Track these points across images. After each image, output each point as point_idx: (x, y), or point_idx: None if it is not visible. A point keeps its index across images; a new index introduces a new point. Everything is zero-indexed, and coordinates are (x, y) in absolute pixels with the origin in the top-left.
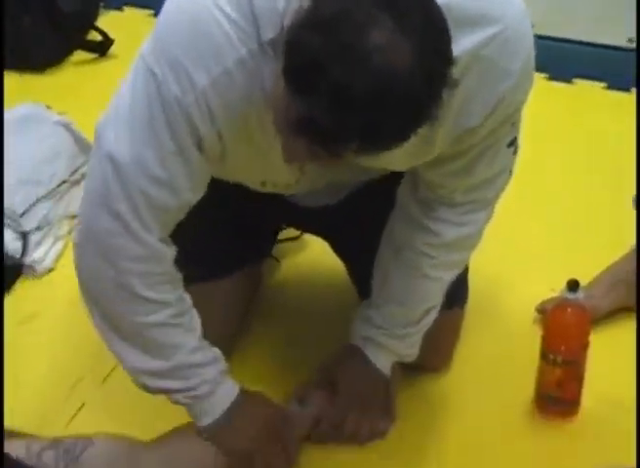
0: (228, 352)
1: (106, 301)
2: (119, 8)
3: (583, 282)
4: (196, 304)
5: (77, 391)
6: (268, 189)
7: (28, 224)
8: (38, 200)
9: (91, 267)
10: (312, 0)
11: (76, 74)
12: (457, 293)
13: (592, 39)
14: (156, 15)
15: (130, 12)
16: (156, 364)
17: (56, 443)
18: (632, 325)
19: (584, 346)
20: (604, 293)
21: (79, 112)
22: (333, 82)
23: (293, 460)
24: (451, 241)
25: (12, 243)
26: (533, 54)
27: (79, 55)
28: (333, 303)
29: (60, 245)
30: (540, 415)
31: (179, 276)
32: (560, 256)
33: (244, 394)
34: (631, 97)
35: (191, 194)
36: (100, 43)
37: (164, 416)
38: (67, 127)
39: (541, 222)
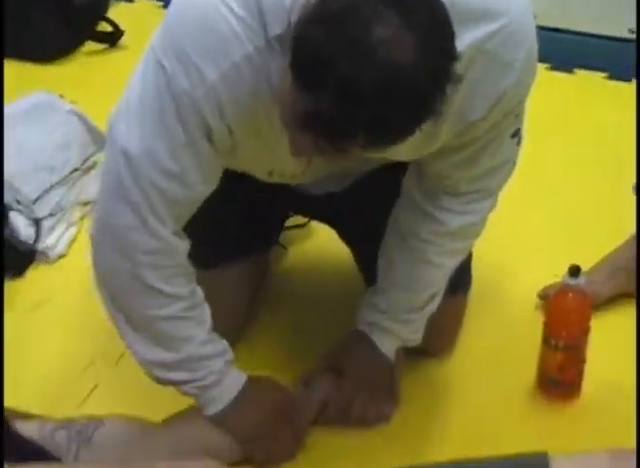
0: (236, 339)
1: (121, 293)
2: None
3: (585, 268)
4: (204, 291)
5: (89, 373)
6: (275, 179)
7: (41, 211)
8: (51, 187)
9: (107, 260)
10: None
11: (87, 65)
12: (460, 280)
13: (593, 30)
14: (166, 6)
15: (140, 3)
16: (166, 355)
17: (68, 423)
18: (632, 310)
19: (585, 331)
20: (604, 279)
21: (89, 102)
22: (339, 77)
23: (301, 443)
24: (455, 229)
25: (25, 229)
26: (536, 47)
27: (90, 45)
28: (339, 290)
29: (72, 231)
30: (541, 398)
31: (192, 270)
32: (562, 244)
33: (251, 381)
34: (632, 86)
35: (203, 187)
36: (111, 34)
37: (174, 398)
38: (80, 116)
39: (543, 210)
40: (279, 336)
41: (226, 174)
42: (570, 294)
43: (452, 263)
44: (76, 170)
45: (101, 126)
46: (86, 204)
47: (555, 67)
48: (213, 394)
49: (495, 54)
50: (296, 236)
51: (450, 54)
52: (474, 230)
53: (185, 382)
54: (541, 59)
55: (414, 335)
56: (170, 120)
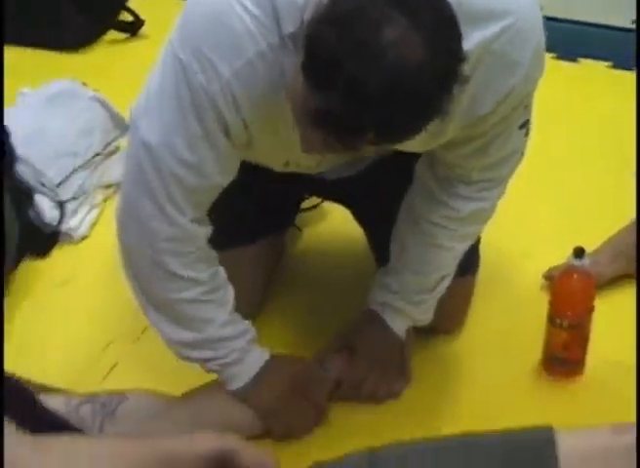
0: (253, 317)
1: (143, 277)
2: None
3: (589, 250)
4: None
5: (110, 350)
6: (291, 169)
7: (65, 194)
8: (74, 171)
9: (130, 245)
10: None
11: (108, 54)
12: (469, 262)
13: (598, 20)
14: None
15: None
16: (188, 335)
17: (92, 397)
18: (634, 291)
19: (589, 310)
20: (608, 261)
21: (111, 89)
22: (349, 77)
23: (320, 418)
24: (467, 215)
25: (49, 211)
26: (543, 42)
27: (111, 35)
28: (352, 271)
29: (94, 213)
30: (547, 375)
31: (213, 254)
32: (566, 228)
33: (272, 359)
34: (634, 75)
35: (220, 177)
36: (132, 23)
37: (193, 374)
38: (102, 102)
39: (549, 196)
40: (294, 315)
41: (243, 161)
42: (575, 275)
43: (462, 247)
44: (98, 154)
45: (123, 112)
46: (108, 187)
47: (561, 57)
48: (234, 371)
49: (502, 52)
50: (310, 218)
51: (457, 55)
52: (484, 216)
53: (208, 360)
54: (547, 49)
55: (424, 315)
56: (187, 113)
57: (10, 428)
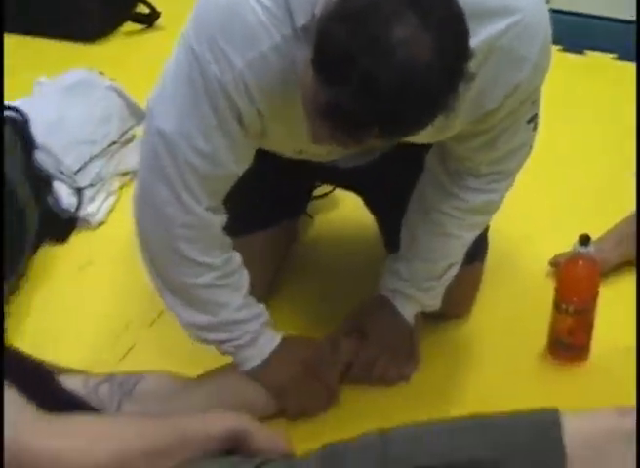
0: (265, 301)
1: (159, 261)
2: None
3: (594, 238)
4: None
5: (127, 333)
6: (303, 157)
7: (83, 181)
8: (91, 158)
9: (146, 230)
10: None
11: (125, 45)
12: (477, 250)
13: (603, 13)
14: None
15: None
16: (203, 319)
17: (110, 378)
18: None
19: (594, 296)
20: (611, 248)
21: (127, 79)
22: (359, 73)
23: (332, 398)
24: (476, 206)
25: (67, 198)
26: (550, 37)
27: (128, 26)
28: (362, 257)
29: (111, 200)
30: (552, 360)
31: (227, 240)
32: (572, 216)
33: (285, 340)
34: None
35: (235, 166)
36: (148, 15)
37: (209, 357)
38: (119, 91)
39: (555, 185)
40: (305, 301)
41: (257, 149)
42: (580, 262)
43: (470, 236)
44: (115, 143)
45: (139, 102)
46: (124, 174)
47: (567, 49)
48: (248, 352)
49: (509, 48)
50: (322, 206)
51: (464, 53)
52: (493, 206)
53: (223, 342)
54: (553, 41)
55: (433, 301)
56: (201, 103)
57: (11, 394)
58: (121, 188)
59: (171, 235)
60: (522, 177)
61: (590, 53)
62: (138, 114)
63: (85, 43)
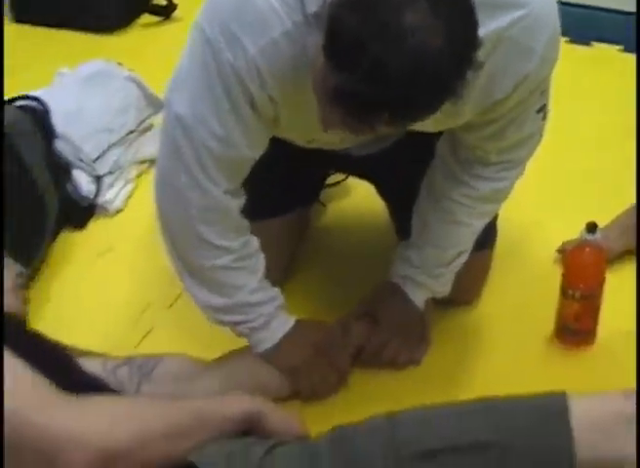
0: (280, 286)
1: (179, 244)
2: None
3: (600, 226)
4: None
5: (146, 316)
6: (315, 145)
7: (101, 169)
8: (110, 147)
9: (166, 213)
10: None
11: (142, 36)
12: (487, 237)
13: (610, 5)
14: None
15: None
16: (219, 300)
17: (129, 360)
18: None
19: (601, 283)
20: (617, 236)
21: (145, 70)
22: (370, 59)
23: (343, 381)
24: (486, 194)
25: (86, 185)
26: (559, 29)
27: (145, 18)
28: (374, 244)
29: (129, 187)
30: (559, 345)
31: (245, 224)
32: (579, 204)
33: (298, 323)
34: None
35: (249, 150)
36: (165, 7)
37: (225, 340)
38: (137, 82)
39: (563, 175)
40: (317, 286)
41: (271, 137)
42: (587, 249)
43: (480, 223)
44: (132, 131)
45: (156, 92)
46: (142, 162)
47: (574, 41)
48: (261, 334)
49: (517, 40)
50: (334, 194)
51: (473, 42)
52: (503, 195)
53: (238, 323)
54: (562, 33)
55: (443, 288)
56: (215, 86)
57: (28, 375)
58: (138, 176)
59: (190, 218)
60: (531, 167)
61: (597, 44)
62: (155, 104)
63: (104, 34)
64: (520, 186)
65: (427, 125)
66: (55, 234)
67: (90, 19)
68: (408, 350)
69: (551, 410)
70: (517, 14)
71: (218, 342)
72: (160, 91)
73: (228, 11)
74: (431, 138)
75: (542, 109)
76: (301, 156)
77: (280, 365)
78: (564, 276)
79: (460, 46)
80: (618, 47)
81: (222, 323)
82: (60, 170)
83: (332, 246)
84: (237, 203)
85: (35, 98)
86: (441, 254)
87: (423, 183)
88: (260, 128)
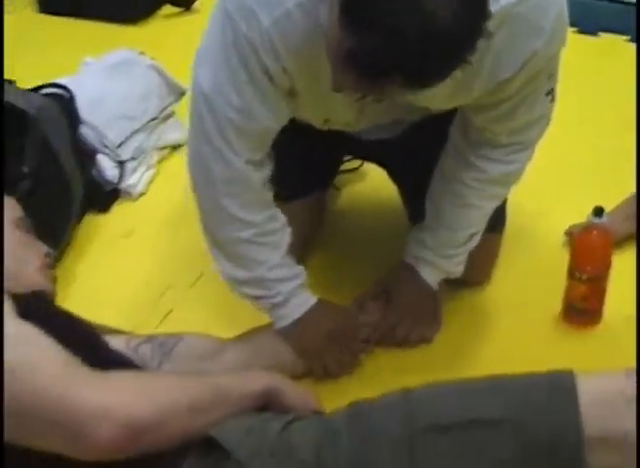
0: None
1: (206, 216)
2: None
3: (607, 210)
4: None
5: (168, 295)
6: (330, 126)
7: (125, 154)
8: (133, 133)
9: (196, 186)
10: None
11: (163, 26)
12: (496, 220)
13: None
14: None
15: None
16: (240, 273)
17: (151, 338)
18: None
19: (607, 265)
20: (622, 220)
21: (165, 59)
22: (385, 23)
23: (356, 361)
24: (496, 177)
25: (110, 170)
26: (566, 9)
27: (166, 9)
28: (387, 228)
29: (151, 172)
30: (566, 325)
31: (267, 198)
32: (586, 188)
33: (317, 304)
34: None
35: (269, 121)
36: None
37: (245, 320)
38: (158, 70)
39: (571, 161)
40: (332, 267)
41: (289, 124)
42: (594, 232)
43: (491, 206)
44: (154, 118)
45: (177, 80)
46: (163, 148)
47: (582, 31)
48: (281, 312)
49: (525, 16)
50: (348, 179)
51: (483, 11)
52: (513, 178)
53: (259, 298)
54: (570, 24)
55: (456, 268)
56: (233, 60)
57: (53, 349)
58: (160, 162)
59: (215, 191)
60: (539, 154)
61: (604, 35)
62: (176, 91)
63: (126, 25)
64: (529, 172)
65: (439, 101)
66: (80, 217)
67: (113, 10)
68: (420, 329)
69: (560, 387)
70: None
71: (237, 322)
72: (181, 79)
73: None
74: (444, 125)
75: (551, 92)
76: (318, 139)
77: (295, 343)
78: (572, 258)
79: (471, 14)
80: (625, 37)
81: (246, 296)
82: (85, 155)
83: (347, 229)
84: (260, 175)
85: (61, 86)
86: (453, 236)
87: (436, 168)
88: (278, 98)
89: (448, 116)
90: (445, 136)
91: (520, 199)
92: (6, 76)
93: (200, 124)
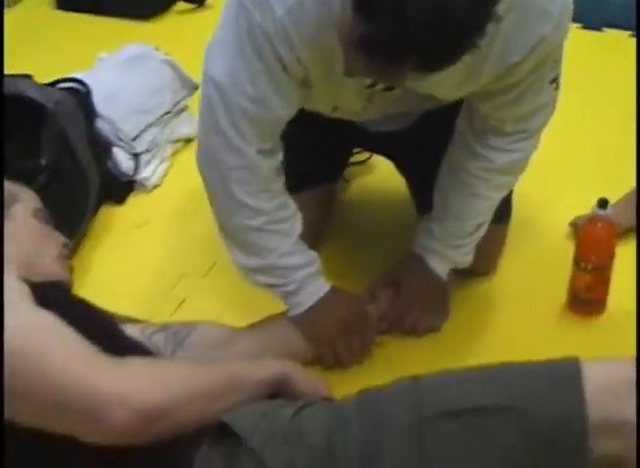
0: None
1: (217, 204)
2: None
3: (612, 202)
4: None
5: (181, 285)
6: (338, 115)
7: (139, 147)
8: (147, 127)
9: (206, 175)
10: None
11: (177, 22)
12: (503, 211)
13: None
14: None
15: None
16: (252, 261)
17: (165, 327)
18: None
19: (611, 256)
20: (626, 212)
21: (179, 55)
22: (397, 5)
23: (366, 350)
24: (502, 166)
25: (125, 162)
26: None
27: (180, 5)
28: (395, 219)
29: (165, 165)
30: (571, 314)
31: (278, 186)
32: (591, 180)
33: (330, 292)
34: None
35: (282, 110)
36: None
37: (258, 309)
38: (172, 65)
39: (576, 153)
40: (342, 258)
41: (298, 115)
42: (599, 223)
43: (498, 196)
44: (168, 112)
45: (190, 75)
46: (177, 142)
47: (586, 26)
48: (294, 299)
49: (534, 2)
50: (357, 171)
51: None
52: (519, 167)
53: (272, 286)
54: (574, 20)
55: (464, 258)
56: (247, 49)
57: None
58: (173, 155)
59: (225, 179)
60: (545, 146)
61: (608, 30)
62: (189, 86)
63: (141, 21)
64: (534, 165)
65: (449, 88)
66: (96, 208)
67: (128, 7)
68: (428, 318)
69: (566, 375)
70: None
71: (250, 311)
72: (194, 74)
73: None
74: (450, 117)
75: (555, 80)
76: (327, 130)
77: (306, 331)
78: (577, 249)
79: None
80: (629, 33)
81: (259, 284)
82: (101, 148)
83: (356, 220)
84: (270, 163)
85: (78, 81)
86: (461, 226)
87: (444, 160)
88: (292, 87)
89: (454, 108)
90: (452, 128)
91: (525, 191)
92: (22, 71)
93: (211, 113)
